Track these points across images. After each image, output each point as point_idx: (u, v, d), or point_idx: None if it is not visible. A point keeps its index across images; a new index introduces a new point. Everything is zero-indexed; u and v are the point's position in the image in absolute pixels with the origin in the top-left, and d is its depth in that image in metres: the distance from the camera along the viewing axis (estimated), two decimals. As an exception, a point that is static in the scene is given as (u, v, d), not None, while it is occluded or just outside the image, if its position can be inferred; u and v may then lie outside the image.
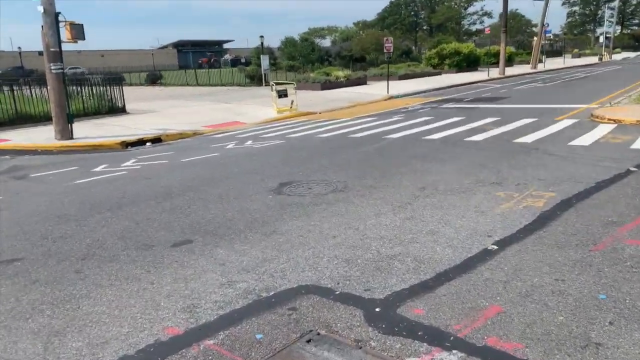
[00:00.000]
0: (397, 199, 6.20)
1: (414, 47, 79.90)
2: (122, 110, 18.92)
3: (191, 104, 22.13)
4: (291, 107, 19.34)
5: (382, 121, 14.90)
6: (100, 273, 4.39)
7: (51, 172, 9.57)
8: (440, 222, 5.24)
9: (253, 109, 20.10)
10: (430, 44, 71.88)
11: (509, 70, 38.78)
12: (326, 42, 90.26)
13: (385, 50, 24.50)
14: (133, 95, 29.39)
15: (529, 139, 10.23)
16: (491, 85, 28.29)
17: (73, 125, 14.06)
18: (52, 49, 13.23)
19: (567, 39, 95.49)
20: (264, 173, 8.22)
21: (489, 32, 35.51)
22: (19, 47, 57.75)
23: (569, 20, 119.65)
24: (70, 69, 74.28)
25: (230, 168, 8.88)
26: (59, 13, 13.21)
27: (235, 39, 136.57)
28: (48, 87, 13.77)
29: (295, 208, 6.02)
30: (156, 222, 5.75)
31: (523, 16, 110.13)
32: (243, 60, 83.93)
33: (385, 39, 24.42)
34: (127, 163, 10.14)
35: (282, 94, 19.19)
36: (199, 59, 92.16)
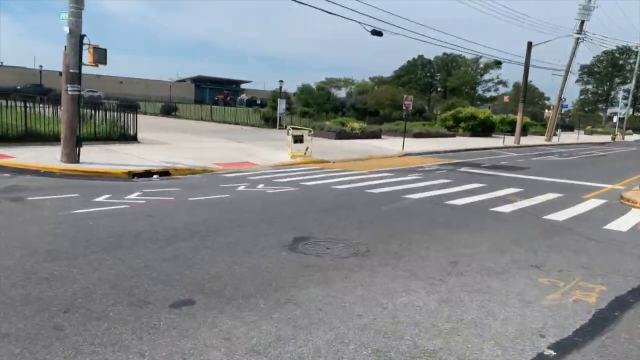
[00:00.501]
0: (427, 273, 5.51)
1: (427, 107, 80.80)
2: (133, 139, 18.53)
3: (203, 140, 21.78)
4: (305, 153, 18.90)
5: (399, 179, 14.35)
6: (83, 333, 3.68)
7: (49, 197, 8.96)
8: (481, 310, 4.54)
9: (266, 151, 19.68)
10: (444, 106, 72.72)
11: (524, 140, 38.64)
12: (341, 93, 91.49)
13: (404, 108, 24.35)
14: (146, 124, 29.23)
15: (559, 216, 9.59)
16: (507, 154, 27.94)
17: (81, 149, 13.59)
18: (71, 70, 12.93)
19: (579, 115, 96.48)
20: (277, 224, 7.57)
21: (508, 100, 35.59)
22: (40, 65, 58.55)
23: (582, 97, 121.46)
24: (87, 91, 75.14)
25: (240, 214, 8.25)
26: (84, 35, 13.01)
27: (252, 80, 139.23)
28: (62, 108, 13.38)
29: (312, 271, 5.33)
30: (155, 272, 5.07)
31: (536, 88, 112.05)
32: (258, 102, 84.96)
33: (405, 96, 24.32)
34: (132, 196, 9.53)
35: (298, 140, 18.81)
36: (215, 95, 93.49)
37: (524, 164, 21.31)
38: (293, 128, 20.23)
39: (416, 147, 26.27)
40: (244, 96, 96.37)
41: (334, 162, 18.94)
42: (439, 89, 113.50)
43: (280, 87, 38.94)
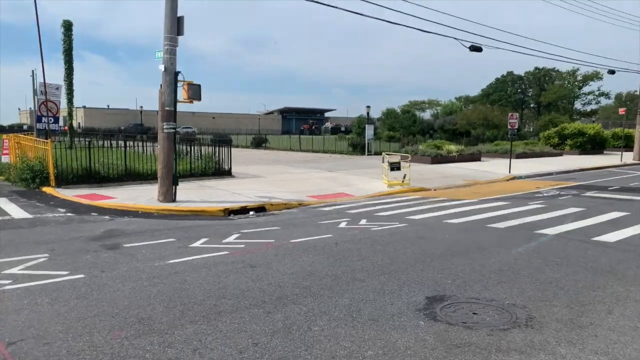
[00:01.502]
0: (635, 357, 3.93)
1: (521, 125, 75.86)
2: (228, 173, 18.26)
3: (295, 171, 21.15)
4: (403, 181, 17.52)
5: (520, 208, 12.49)
6: None
7: (146, 242, 8.39)
8: None
9: (360, 180, 18.55)
10: (541, 123, 68.09)
11: (644, 156, 34.22)
12: (426, 115, 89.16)
13: (509, 126, 22.20)
14: (238, 157, 29.43)
15: None
16: (631, 172, 24.57)
17: (177, 186, 13.29)
18: (167, 108, 12.72)
19: None
20: (399, 276, 6.29)
21: (624, 112, 31.80)
22: (141, 106, 62.63)
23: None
24: (183, 128, 79.56)
25: (352, 261, 7.07)
26: (179, 72, 12.80)
27: (336, 109, 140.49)
28: (158, 147, 13.21)
29: (470, 355, 3.97)
30: (267, 354, 3.98)
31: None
32: (343, 129, 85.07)
33: (510, 114, 22.21)
34: (230, 239, 8.73)
35: (395, 167, 17.50)
36: (301, 125, 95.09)
37: (661, 185, 18.30)
38: (388, 154, 18.98)
39: (523, 169, 23.86)
40: (328, 124, 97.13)
41: (434, 190, 17.38)
42: (531, 105, 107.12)
43: (368, 113, 38.02)
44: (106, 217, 11.32)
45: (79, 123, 79.89)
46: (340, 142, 37.59)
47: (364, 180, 18.83)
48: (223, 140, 18.97)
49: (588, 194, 15.76)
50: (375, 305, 5.10)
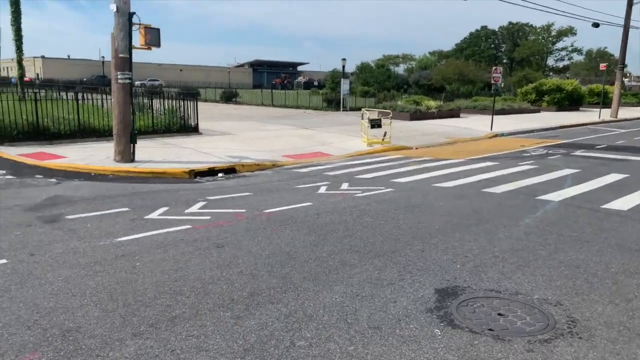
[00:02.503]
0: None
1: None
2: (194, 130, 16.75)
3: (268, 127, 19.76)
4: (383, 140, 16.43)
5: (511, 170, 11.59)
6: None
7: (93, 213, 7.09)
8: None
9: (337, 138, 17.36)
10: (515, 79, 67.64)
11: (620, 113, 33.93)
12: (400, 70, 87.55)
13: (493, 81, 21.16)
14: (207, 113, 27.69)
15: None
16: (613, 130, 24.09)
17: (137, 144, 11.85)
18: (121, 55, 11.09)
19: None
20: (397, 258, 5.24)
21: (604, 68, 31.13)
22: (103, 57, 58.90)
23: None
24: (149, 80, 76.09)
25: (338, 238, 5.98)
26: (134, 13, 11.10)
27: (309, 62, 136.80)
28: (112, 100, 11.64)
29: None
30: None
31: (612, 55, 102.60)
32: (316, 83, 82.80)
33: (494, 68, 21.12)
34: (194, 208, 7.51)
35: (375, 124, 16.33)
36: (273, 79, 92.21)
37: (648, 144, 17.73)
38: (367, 110, 17.76)
39: (504, 126, 23.04)
40: (301, 78, 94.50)
41: (416, 149, 16.37)
42: (504, 61, 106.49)
43: (344, 66, 36.30)
44: (52, 180, 9.88)
45: (37, 74, 75.30)
46: (314, 97, 36.02)
47: (342, 138, 17.65)
48: (189, 94, 17.33)
49: (577, 153, 15.01)
50: (374, 304, 4.04)
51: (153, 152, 12.97)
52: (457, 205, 7.84)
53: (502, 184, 9.78)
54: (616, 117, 31.82)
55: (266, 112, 29.30)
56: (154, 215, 7.07)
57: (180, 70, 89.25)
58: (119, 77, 11.19)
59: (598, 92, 42.08)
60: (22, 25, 24.77)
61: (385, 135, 16.47)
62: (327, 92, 41.93)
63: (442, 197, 8.48)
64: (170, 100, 16.59)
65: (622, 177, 10.63)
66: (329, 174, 11.22)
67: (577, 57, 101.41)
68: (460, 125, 23.18)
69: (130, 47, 11.19)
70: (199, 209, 7.51)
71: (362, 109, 17.84)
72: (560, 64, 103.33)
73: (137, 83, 65.94)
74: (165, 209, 7.49)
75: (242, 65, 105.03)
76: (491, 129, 21.62)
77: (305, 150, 14.75)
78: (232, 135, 17.00)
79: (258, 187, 9.55)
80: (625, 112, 36.96)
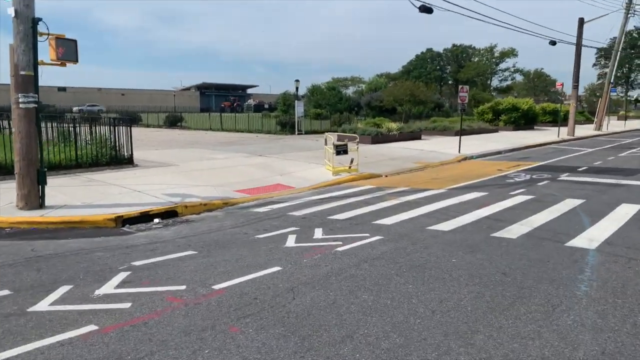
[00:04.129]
0: None
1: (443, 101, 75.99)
2: (128, 162, 14.20)
3: (217, 156, 17.43)
4: (350, 167, 14.51)
5: (506, 203, 9.88)
6: None
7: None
8: None
9: (298, 167, 15.29)
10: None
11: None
12: (349, 92, 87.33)
13: (459, 100, 19.84)
14: (148, 140, 24.99)
15: None
16: (578, 149, 23.32)
17: (49, 185, 9.34)
18: (22, 72, 8.61)
19: (592, 100, 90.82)
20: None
21: (561, 86, 30.89)
22: (33, 80, 54.30)
23: (600, 81, 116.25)
24: (88, 105, 71.58)
25: (332, 344, 3.83)
26: (39, 20, 8.69)
27: (258, 85, 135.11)
28: (14, 130, 9.08)
29: None
30: None
31: (548, 76, 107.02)
32: (267, 106, 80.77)
33: (461, 87, 19.82)
34: (108, 286, 5.17)
35: (341, 151, 14.39)
36: (221, 102, 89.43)
37: (625, 165, 16.71)
38: (331, 134, 15.84)
39: (470, 147, 21.75)
40: (251, 101, 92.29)
41: (386, 176, 14.57)
42: (449, 82, 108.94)
43: (297, 88, 34.54)
44: None
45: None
46: (267, 121, 33.92)
47: (302, 166, 15.59)
48: (122, 119, 14.78)
49: (563, 177, 13.63)
50: None
51: (72, 193, 10.40)
52: (474, 264, 5.88)
53: (510, 223, 7.97)
54: (573, 136, 31.56)
55: (215, 138, 26.88)
56: (45, 304, 4.68)
57: (122, 94, 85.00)
58: (20, 100, 8.69)
59: (550, 111, 42.45)
60: None
61: (352, 162, 14.57)
62: (280, 115, 40.03)
63: (449, 249, 6.52)
64: (101, 127, 14.01)
65: (638, 207, 9.10)
66: (295, 215, 9.10)
67: (519, 77, 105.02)
68: (425, 148, 21.69)
69: (35, 63, 8.74)
70: (116, 287, 5.17)
71: (326, 134, 15.89)
72: (504, 84, 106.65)
73: (74, 109, 61.61)
74: (67, 288, 5.10)
75: (188, 89, 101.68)
76: (459, 152, 20.22)
77: (263, 183, 12.59)
78: (174, 166, 14.56)
79: (205, 240, 7.27)
80: (578, 131, 37.10)
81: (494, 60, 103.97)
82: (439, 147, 22.36)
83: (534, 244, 6.73)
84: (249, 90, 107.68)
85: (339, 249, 6.58)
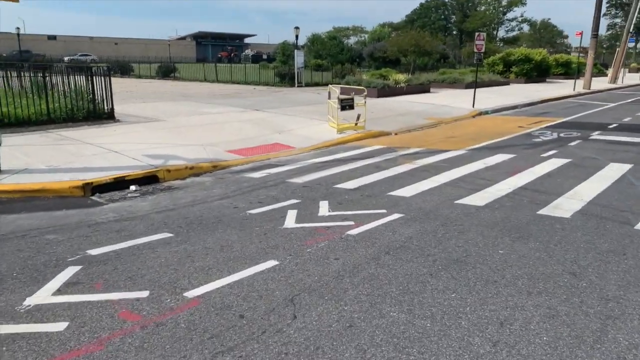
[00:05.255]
0: None
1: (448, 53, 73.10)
2: (109, 117, 12.68)
3: (210, 110, 15.86)
4: (357, 124, 13.01)
5: (541, 168, 8.48)
6: None
7: None
8: None
9: (298, 123, 13.79)
10: (470, 49, 65.72)
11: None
12: (351, 43, 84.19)
13: (476, 50, 18.02)
14: (137, 91, 23.28)
15: None
16: (601, 104, 21.66)
17: (14, 144, 7.95)
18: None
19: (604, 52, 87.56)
20: None
21: (580, 35, 28.78)
22: (18, 28, 51.78)
23: (610, 32, 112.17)
24: (80, 55, 68.74)
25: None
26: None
27: (257, 34, 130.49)
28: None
29: None
30: None
31: (555, 26, 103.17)
32: (265, 56, 77.73)
33: (477, 34, 17.96)
34: (43, 295, 3.86)
35: (347, 106, 12.83)
36: (218, 52, 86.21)
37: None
38: (335, 87, 14.22)
39: (483, 101, 20.10)
40: (249, 51, 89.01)
41: (395, 134, 13.12)
42: (454, 32, 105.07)
43: (297, 36, 32.38)
44: None
45: (-54, 49, 66.24)
46: (265, 72, 31.93)
47: (303, 122, 14.07)
48: (102, 68, 13.08)
49: (595, 136, 12.18)
50: None
51: (37, 154, 8.97)
52: (529, 258, 4.54)
53: (555, 196, 6.60)
54: (589, 89, 29.78)
55: (209, 90, 25.14)
56: (-51, 323, 3.35)
57: (116, 44, 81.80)
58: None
59: (562, 63, 40.35)
60: None
61: (358, 118, 13.05)
62: (279, 66, 37.91)
63: (490, 235, 5.17)
64: (71, 77, 12.39)
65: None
66: (296, 182, 7.73)
67: (527, 28, 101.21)
68: (435, 102, 20.05)
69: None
70: (55, 292, 3.85)
71: (329, 86, 14.27)
72: (511, 35, 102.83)
73: (65, 58, 59.01)
74: (-9, 293, 3.78)
75: (183, 38, 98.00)
76: (473, 106, 18.62)
77: (258, 142, 11.14)
78: (160, 122, 13.05)
79: (186, 216, 5.93)
80: (593, 84, 35.20)
81: (500, 9, 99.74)
82: (450, 101, 20.71)
83: (595, 226, 5.38)
84: (247, 40, 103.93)
85: (351, 232, 5.24)
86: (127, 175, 7.93)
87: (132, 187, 7.72)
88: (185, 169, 8.61)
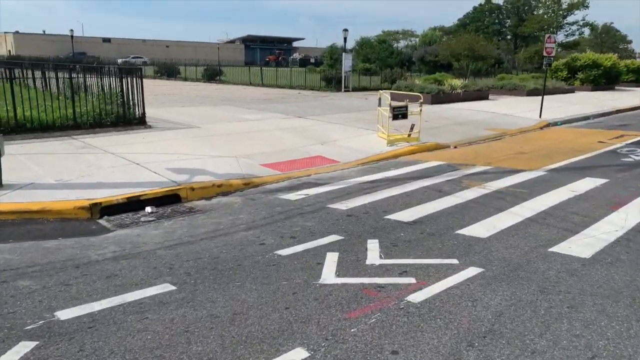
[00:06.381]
0: None
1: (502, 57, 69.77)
2: (139, 122, 11.72)
3: (249, 116, 14.72)
4: (410, 135, 11.50)
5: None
6: None
7: None
8: None
9: (343, 132, 12.40)
10: (526, 54, 62.76)
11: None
12: (400, 47, 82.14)
13: (545, 53, 16.07)
14: (180, 94, 22.58)
15: None
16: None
17: (32, 152, 7.07)
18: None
19: None
20: None
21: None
22: (72, 30, 53.00)
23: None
24: (133, 57, 70.10)
25: None
26: None
27: (305, 38, 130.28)
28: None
29: None
30: None
31: (618, 31, 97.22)
32: (312, 60, 76.83)
33: (547, 37, 16.02)
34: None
35: (400, 114, 11.34)
36: (266, 56, 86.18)
37: None
38: (387, 92, 12.75)
39: (550, 111, 18.03)
40: (296, 55, 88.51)
41: (455, 147, 11.52)
42: (508, 37, 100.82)
43: (345, 39, 31.00)
44: None
45: (9, 51, 69.23)
46: (311, 76, 30.77)
47: (349, 131, 12.68)
48: (131, 70, 12.17)
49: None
50: None
51: (50, 165, 8.00)
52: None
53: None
54: (669, 98, 26.80)
55: (252, 94, 24.18)
56: None
57: (167, 46, 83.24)
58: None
59: (634, 69, 37.13)
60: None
61: (412, 129, 11.53)
62: (326, 70, 36.67)
63: (615, 313, 3.61)
64: (102, 78, 11.52)
65: None
66: (338, 208, 6.35)
67: (586, 33, 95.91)
68: (496, 111, 18.18)
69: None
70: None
71: (380, 92, 12.80)
72: (571, 39, 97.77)
73: (119, 60, 60.16)
74: None
75: (232, 42, 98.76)
76: (540, 116, 16.66)
77: (299, 154, 9.85)
78: (193, 129, 11.98)
79: (199, 256, 4.67)
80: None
81: (560, 12, 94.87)
82: (511, 109, 18.78)
83: None
84: (295, 44, 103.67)
85: (413, 297, 3.79)
86: (143, 194, 6.79)
87: (148, 209, 6.57)
88: (212, 187, 7.40)
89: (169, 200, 6.99)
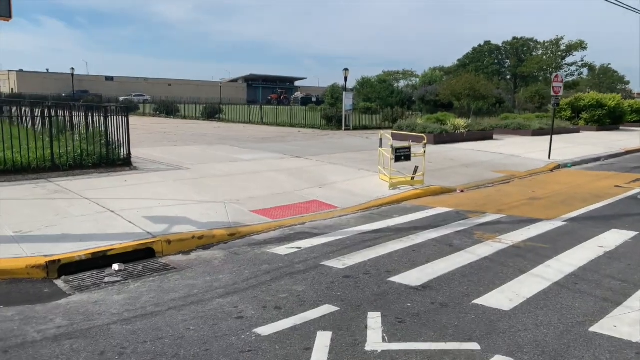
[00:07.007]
0: None
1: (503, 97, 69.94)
2: (124, 163, 10.96)
3: (243, 156, 13.96)
4: (413, 178, 10.69)
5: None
6: None
7: None
8: None
9: (343, 174, 11.61)
10: (526, 94, 63.13)
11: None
12: (401, 86, 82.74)
13: (553, 93, 15.46)
14: (175, 133, 21.97)
15: None
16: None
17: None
18: None
19: None
20: None
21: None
22: (72, 68, 53.24)
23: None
24: (134, 95, 70.39)
25: None
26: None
27: (307, 77, 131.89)
28: None
29: None
30: None
31: (616, 72, 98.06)
32: (314, 99, 77.13)
33: (555, 75, 15.48)
34: None
35: (403, 155, 10.57)
36: (268, 94, 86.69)
37: None
38: (385, 133, 12.05)
39: (559, 151, 17.28)
40: (298, 94, 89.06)
41: (462, 191, 10.69)
42: (508, 77, 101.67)
43: (346, 78, 30.75)
44: None
45: (12, 89, 69.65)
46: (312, 114, 30.32)
47: (349, 173, 11.89)
48: (121, 108, 11.49)
49: None
50: None
51: (13, 213, 7.16)
52: None
53: None
54: (677, 139, 26.15)
55: (251, 132, 23.58)
56: None
57: (169, 85, 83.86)
58: None
59: (638, 109, 36.71)
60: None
61: (415, 171, 10.73)
62: (326, 108, 36.35)
63: None
64: (84, 117, 10.83)
65: None
66: (334, 267, 5.48)
67: (585, 73, 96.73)
68: (502, 151, 17.45)
69: None
70: None
71: (381, 132, 12.11)
72: (570, 80, 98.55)
73: (120, 98, 60.26)
74: None
75: (235, 80, 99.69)
76: (549, 157, 15.91)
77: (293, 198, 9.03)
78: (183, 170, 11.19)
79: (159, 336, 3.79)
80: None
81: (559, 53, 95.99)
82: (518, 149, 18.06)
83: None
84: (297, 83, 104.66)
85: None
86: (111, 249, 5.93)
87: (115, 267, 5.70)
88: (191, 239, 6.55)
89: (141, 255, 6.13)
